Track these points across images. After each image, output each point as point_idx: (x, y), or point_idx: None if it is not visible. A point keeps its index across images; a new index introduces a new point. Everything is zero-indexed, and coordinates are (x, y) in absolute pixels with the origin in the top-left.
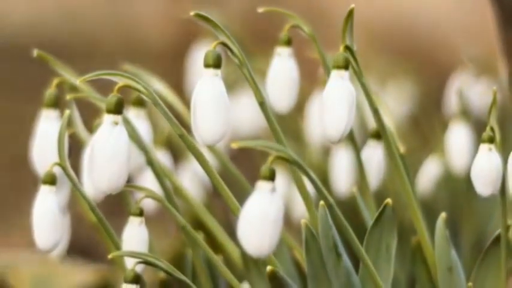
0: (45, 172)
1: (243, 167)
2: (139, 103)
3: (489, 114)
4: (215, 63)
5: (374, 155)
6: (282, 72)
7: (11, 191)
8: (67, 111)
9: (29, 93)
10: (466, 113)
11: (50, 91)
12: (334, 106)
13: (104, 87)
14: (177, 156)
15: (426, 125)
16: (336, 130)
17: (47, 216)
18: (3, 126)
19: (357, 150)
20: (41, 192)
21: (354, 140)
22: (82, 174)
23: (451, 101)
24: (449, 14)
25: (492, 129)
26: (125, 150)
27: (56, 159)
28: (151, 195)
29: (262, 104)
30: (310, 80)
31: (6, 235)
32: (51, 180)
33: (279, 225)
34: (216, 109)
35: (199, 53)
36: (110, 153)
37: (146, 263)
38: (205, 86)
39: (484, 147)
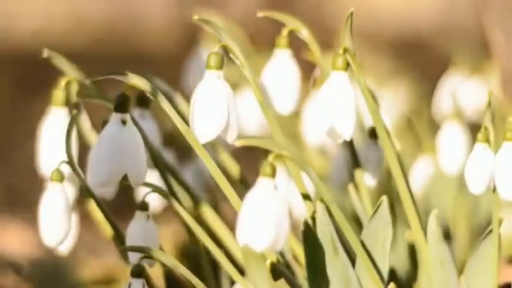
0: (53, 170)
1: (244, 164)
2: (144, 103)
3: (484, 114)
4: (217, 64)
5: (373, 152)
6: (281, 73)
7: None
8: (74, 111)
9: (39, 95)
10: (459, 113)
11: (58, 90)
12: (334, 106)
13: (111, 88)
14: (180, 153)
15: (418, 125)
16: (339, 129)
17: (54, 214)
18: (13, 127)
19: (353, 148)
20: (49, 190)
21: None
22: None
23: (441, 102)
24: (442, 17)
25: (487, 128)
26: (139, 145)
27: (63, 157)
28: (157, 190)
29: (263, 104)
30: (308, 81)
31: None
32: (59, 178)
33: (282, 220)
34: (213, 107)
35: (198, 55)
36: (128, 148)
37: (152, 257)
38: (206, 85)
39: (478, 147)
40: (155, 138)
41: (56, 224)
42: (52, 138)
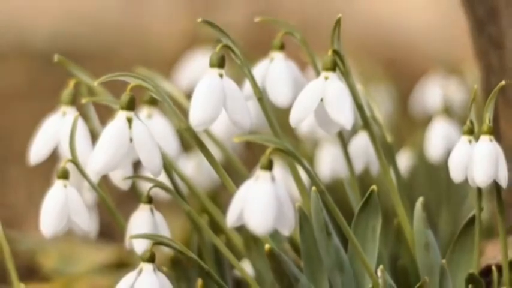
0: (60, 168)
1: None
2: (152, 102)
3: (469, 109)
4: (219, 63)
5: (363, 145)
6: (276, 73)
7: None
8: (77, 113)
9: (51, 97)
10: (447, 109)
11: (67, 90)
12: (329, 100)
13: (119, 90)
14: (185, 149)
15: (402, 123)
16: (339, 120)
17: (54, 208)
18: (26, 129)
19: (344, 142)
20: (54, 186)
21: (341, 134)
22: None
23: (422, 100)
24: (426, 22)
25: (472, 122)
26: (148, 141)
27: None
28: (159, 185)
29: (261, 100)
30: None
31: None
32: (65, 175)
33: (284, 206)
34: (209, 97)
35: (196, 56)
36: (137, 144)
37: (161, 243)
38: (206, 80)
39: (464, 139)
40: (168, 135)
41: (54, 217)
42: (51, 134)
